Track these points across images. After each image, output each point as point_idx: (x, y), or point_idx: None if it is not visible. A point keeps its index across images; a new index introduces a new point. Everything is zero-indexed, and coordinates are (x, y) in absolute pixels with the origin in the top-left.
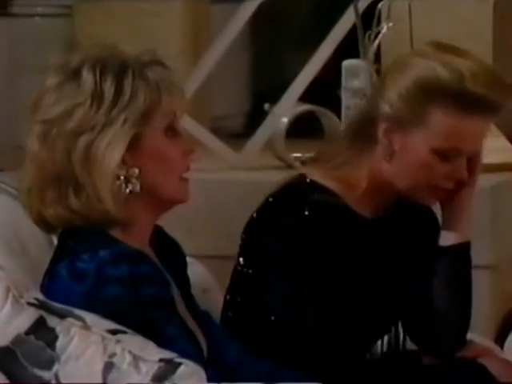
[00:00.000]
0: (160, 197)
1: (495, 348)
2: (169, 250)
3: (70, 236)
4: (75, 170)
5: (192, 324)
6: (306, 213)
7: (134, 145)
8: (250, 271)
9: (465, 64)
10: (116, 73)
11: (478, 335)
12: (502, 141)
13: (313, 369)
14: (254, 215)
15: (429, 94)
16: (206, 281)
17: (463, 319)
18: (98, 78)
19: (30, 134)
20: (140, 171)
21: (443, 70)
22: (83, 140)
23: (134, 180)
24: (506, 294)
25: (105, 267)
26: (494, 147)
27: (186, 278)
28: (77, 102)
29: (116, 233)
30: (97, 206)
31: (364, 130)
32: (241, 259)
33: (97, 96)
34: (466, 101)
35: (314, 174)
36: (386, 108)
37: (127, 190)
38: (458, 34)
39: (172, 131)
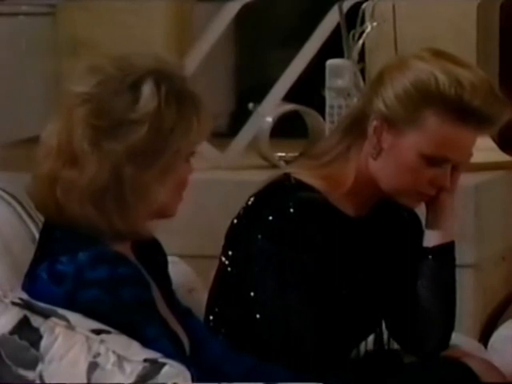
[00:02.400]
0: (162, 214)
1: (479, 347)
2: (149, 249)
3: (50, 237)
4: (125, 194)
5: (173, 322)
6: (291, 211)
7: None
8: (235, 271)
9: (465, 74)
10: (177, 95)
11: (462, 334)
12: (486, 140)
13: (297, 367)
14: (240, 214)
15: (426, 97)
16: (191, 280)
17: (447, 319)
18: (161, 99)
19: (72, 129)
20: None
21: (443, 77)
22: (135, 165)
23: None
24: (490, 293)
25: (84, 270)
26: (477, 146)
27: (167, 277)
28: (134, 118)
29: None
30: (131, 227)
31: (355, 126)
32: (224, 259)
33: (157, 120)
34: (463, 111)
35: (299, 173)
36: (380, 105)
37: None
38: (442, 34)
39: (192, 155)
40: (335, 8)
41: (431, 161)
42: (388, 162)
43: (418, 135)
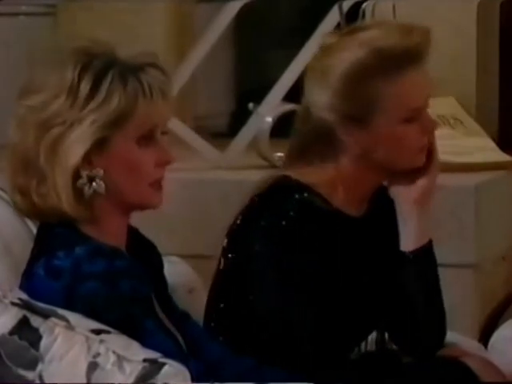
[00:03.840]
0: (125, 201)
1: (479, 347)
2: (144, 252)
3: (46, 235)
4: (40, 161)
5: (168, 325)
6: (292, 213)
7: (103, 147)
8: (235, 272)
9: (372, 36)
10: (96, 72)
11: (462, 335)
12: (486, 140)
13: (297, 368)
14: (239, 217)
15: (358, 79)
16: (191, 280)
17: (438, 318)
18: (76, 74)
19: (14, 115)
20: (105, 173)
21: (358, 52)
22: (52, 133)
23: (97, 180)
24: (490, 293)
25: (81, 263)
26: (477, 146)
27: (163, 279)
28: (54, 93)
29: (91, 232)
30: (53, 201)
31: (320, 146)
32: (224, 260)
33: (72, 92)
34: (395, 60)
35: (298, 174)
36: (331, 115)
37: (91, 190)
38: (442, 34)
39: (146, 140)
40: (335, 8)
41: (410, 119)
42: (380, 147)
43: (383, 110)
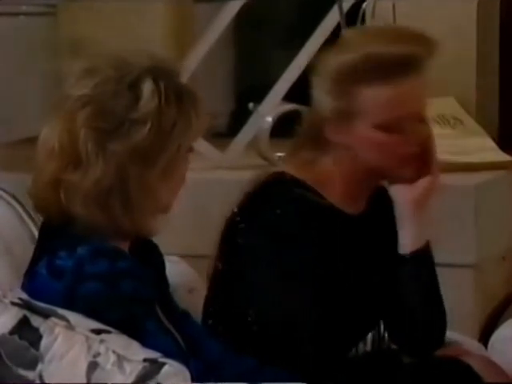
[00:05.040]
0: (161, 211)
1: (479, 347)
2: (146, 252)
3: (49, 235)
4: (130, 194)
5: (168, 325)
6: (288, 208)
7: None
8: (232, 271)
9: (366, 40)
10: (176, 93)
11: (462, 335)
12: (486, 140)
13: (296, 367)
14: (236, 214)
15: (344, 79)
16: (192, 280)
17: (437, 318)
18: (162, 97)
19: (84, 135)
20: None
21: (349, 54)
22: (139, 165)
23: None
24: (490, 293)
25: (83, 264)
26: (477, 146)
27: (164, 279)
28: (136, 118)
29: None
30: (137, 226)
31: (311, 143)
32: (220, 259)
33: (158, 118)
34: (382, 67)
35: (293, 171)
36: (320, 113)
37: None
38: (442, 34)
39: (191, 151)
40: (335, 8)
41: (389, 127)
42: (360, 151)
43: (363, 113)
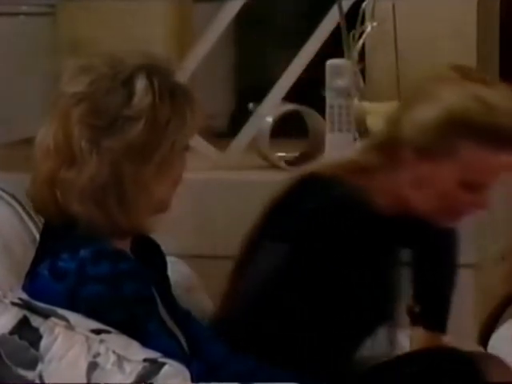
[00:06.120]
0: (158, 210)
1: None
2: (148, 251)
3: (51, 236)
4: (126, 190)
5: (172, 325)
6: (326, 206)
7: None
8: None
9: (495, 96)
10: (170, 89)
11: (462, 335)
12: None
13: (303, 368)
14: (265, 214)
15: (459, 127)
16: (190, 280)
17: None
18: (156, 93)
19: (68, 130)
20: None
21: (474, 103)
22: (134, 162)
23: None
24: (490, 293)
25: (86, 266)
26: None
27: (166, 279)
28: (130, 115)
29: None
30: (133, 223)
31: (386, 151)
32: (245, 259)
33: (152, 115)
34: (498, 135)
35: (327, 170)
36: (413, 136)
37: None
38: (442, 34)
39: (186, 149)
40: (335, 7)
41: (471, 187)
42: (429, 191)
43: (456, 164)
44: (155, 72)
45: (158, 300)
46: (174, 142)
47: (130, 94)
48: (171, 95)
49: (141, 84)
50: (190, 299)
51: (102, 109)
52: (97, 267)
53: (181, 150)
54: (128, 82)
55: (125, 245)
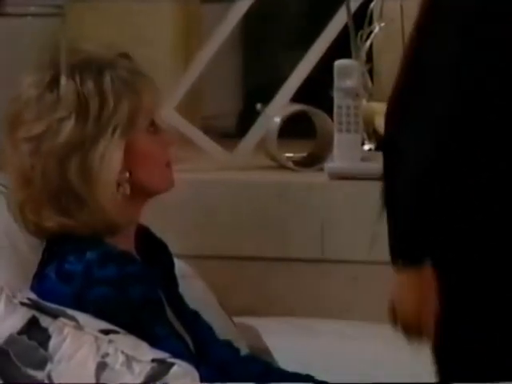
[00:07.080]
0: (146, 192)
1: None
2: (155, 252)
3: (57, 239)
4: (74, 187)
5: (178, 326)
6: None
7: (126, 150)
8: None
9: None
10: (95, 80)
11: None
12: None
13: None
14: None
15: None
16: (184, 268)
17: None
18: (79, 89)
19: (16, 151)
20: (130, 173)
21: None
22: (76, 157)
23: (125, 184)
24: None
25: (92, 268)
26: None
27: (174, 279)
28: (61, 116)
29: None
30: (100, 216)
31: None
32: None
33: (81, 109)
34: None
35: None
36: None
37: (119, 195)
38: None
39: (153, 126)
40: (343, 8)
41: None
42: None
43: None
44: (76, 67)
45: (165, 302)
46: (115, 127)
47: (58, 97)
48: (96, 84)
49: (63, 83)
50: (184, 285)
51: (36, 118)
52: (103, 270)
53: (142, 131)
54: (53, 85)
55: (129, 243)
